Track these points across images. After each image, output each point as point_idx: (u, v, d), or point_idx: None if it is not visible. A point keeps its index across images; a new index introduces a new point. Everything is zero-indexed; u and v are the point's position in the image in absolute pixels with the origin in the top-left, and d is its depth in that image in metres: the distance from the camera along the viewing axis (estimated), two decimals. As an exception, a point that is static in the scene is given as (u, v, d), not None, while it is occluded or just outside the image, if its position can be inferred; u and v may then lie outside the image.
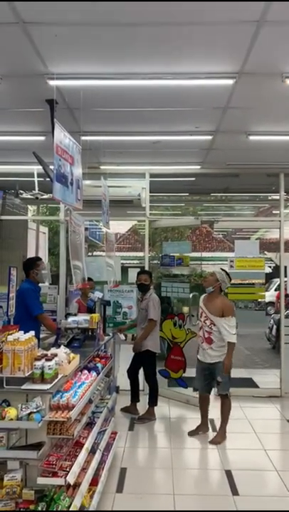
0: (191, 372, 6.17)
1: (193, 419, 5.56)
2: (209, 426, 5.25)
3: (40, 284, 5.04)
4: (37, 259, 5.18)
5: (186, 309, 6.81)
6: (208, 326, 4.95)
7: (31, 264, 4.93)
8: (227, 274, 5.12)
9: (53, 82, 3.82)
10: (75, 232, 4.39)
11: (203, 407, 5.25)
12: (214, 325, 4.91)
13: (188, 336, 6.31)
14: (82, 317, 4.42)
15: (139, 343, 5.67)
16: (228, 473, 4.16)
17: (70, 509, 2.63)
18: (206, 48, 3.38)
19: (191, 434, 5.12)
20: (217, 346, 4.90)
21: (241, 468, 4.28)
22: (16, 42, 3.28)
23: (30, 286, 4.77)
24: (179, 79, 3.83)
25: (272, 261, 16.02)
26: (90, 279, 5.67)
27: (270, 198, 9.31)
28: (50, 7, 2.84)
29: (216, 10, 2.85)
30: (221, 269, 5.21)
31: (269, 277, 13.56)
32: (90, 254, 11.91)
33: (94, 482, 3.33)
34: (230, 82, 3.84)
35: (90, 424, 3.49)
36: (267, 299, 12.62)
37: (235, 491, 3.83)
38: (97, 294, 5.42)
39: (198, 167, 6.82)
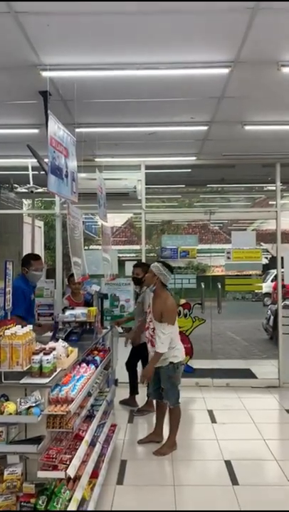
0: (197, 359, 6.35)
1: (193, 410, 5.59)
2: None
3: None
4: (34, 257, 4.76)
5: (182, 300, 6.85)
6: (152, 329, 4.44)
7: (25, 261, 4.65)
8: (165, 265, 4.54)
9: (46, 74, 3.76)
10: (74, 226, 4.35)
11: (157, 414, 4.81)
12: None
13: (195, 323, 6.43)
14: (80, 311, 4.40)
15: (137, 337, 5.67)
16: (228, 464, 4.18)
17: (71, 502, 2.63)
18: (200, 37, 3.33)
19: (141, 442, 4.69)
20: None
21: (241, 458, 4.30)
22: (7, 32, 3.22)
23: (20, 285, 4.41)
24: (173, 68, 3.78)
25: (268, 252, 16.04)
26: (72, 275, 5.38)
27: (266, 188, 9.30)
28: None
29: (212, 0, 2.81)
30: (158, 261, 4.66)
31: (266, 268, 13.59)
32: (85, 248, 11.87)
33: (94, 474, 3.33)
34: (226, 71, 3.80)
35: (89, 417, 3.48)
36: (264, 290, 12.65)
37: (235, 481, 3.85)
38: (94, 288, 5.40)
39: (194, 158, 6.79)
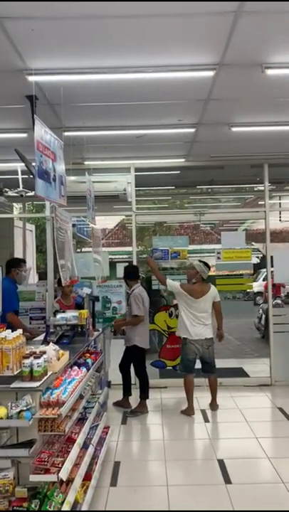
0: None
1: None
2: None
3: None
4: (22, 260, 5.55)
5: (175, 301, 6.87)
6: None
7: (16, 263, 5.22)
8: (205, 264, 5.68)
9: (32, 78, 3.76)
10: (62, 229, 4.36)
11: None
12: None
13: None
14: (71, 314, 4.41)
15: (120, 326, 5.94)
16: (221, 463, 4.20)
17: (64, 505, 2.64)
18: (185, 40, 3.36)
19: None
20: None
21: (234, 457, 4.33)
22: (-8, 38, 3.23)
23: (10, 284, 4.92)
24: (160, 72, 3.80)
25: (259, 251, 16.12)
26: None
27: (255, 189, 9.35)
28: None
29: (194, 0, 2.83)
30: (199, 260, 5.74)
31: (257, 267, 13.67)
32: (78, 250, 11.85)
33: (87, 477, 3.34)
34: (211, 73, 3.83)
35: (81, 420, 3.50)
36: (255, 289, 12.72)
37: (228, 480, 3.87)
38: (85, 290, 5.40)
39: (183, 160, 6.82)
